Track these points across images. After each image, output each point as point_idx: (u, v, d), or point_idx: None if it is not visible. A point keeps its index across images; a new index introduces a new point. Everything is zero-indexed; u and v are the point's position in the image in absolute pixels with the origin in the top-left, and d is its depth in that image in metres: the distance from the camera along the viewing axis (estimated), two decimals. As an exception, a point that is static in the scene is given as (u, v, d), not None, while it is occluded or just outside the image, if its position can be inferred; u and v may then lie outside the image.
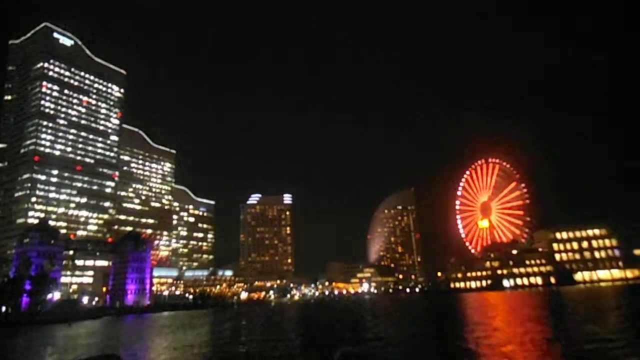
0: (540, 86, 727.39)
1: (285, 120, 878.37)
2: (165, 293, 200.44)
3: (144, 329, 71.46)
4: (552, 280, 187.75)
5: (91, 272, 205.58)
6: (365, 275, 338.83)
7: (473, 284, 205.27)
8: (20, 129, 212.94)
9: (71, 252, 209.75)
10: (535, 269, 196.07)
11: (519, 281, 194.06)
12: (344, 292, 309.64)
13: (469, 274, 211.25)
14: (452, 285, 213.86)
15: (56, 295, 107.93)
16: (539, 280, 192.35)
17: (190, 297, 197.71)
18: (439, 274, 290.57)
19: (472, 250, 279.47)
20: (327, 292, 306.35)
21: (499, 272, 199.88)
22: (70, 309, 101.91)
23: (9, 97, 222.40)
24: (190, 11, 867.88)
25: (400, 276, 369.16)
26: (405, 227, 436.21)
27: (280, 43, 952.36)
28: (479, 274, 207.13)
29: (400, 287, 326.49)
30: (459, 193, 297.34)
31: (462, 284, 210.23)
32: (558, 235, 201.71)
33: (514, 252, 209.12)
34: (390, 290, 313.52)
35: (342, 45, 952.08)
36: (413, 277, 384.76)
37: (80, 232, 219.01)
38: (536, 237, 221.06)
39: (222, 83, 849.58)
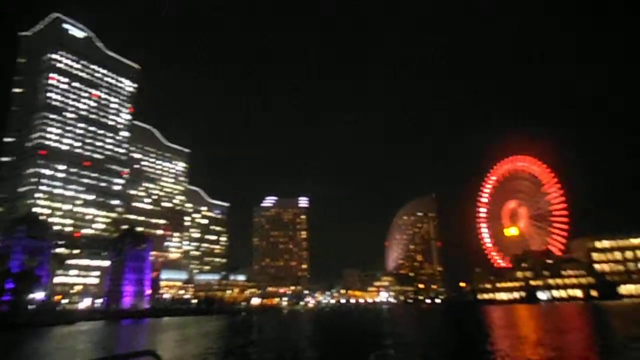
0: (579, 91, 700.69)
1: (303, 122, 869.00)
2: (167, 296, 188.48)
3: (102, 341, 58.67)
4: (594, 293, 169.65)
5: (97, 273, 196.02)
6: (383, 284, 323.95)
7: (503, 296, 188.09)
8: (28, 122, 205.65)
9: (77, 251, 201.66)
10: (574, 280, 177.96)
11: (555, 293, 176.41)
12: (361, 300, 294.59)
13: (498, 285, 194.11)
14: (479, 297, 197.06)
15: (40, 296, 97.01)
16: (578, 293, 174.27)
17: (195, 301, 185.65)
18: (463, 284, 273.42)
19: (499, 261, 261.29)
20: (343, 300, 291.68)
21: (533, 283, 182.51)
22: (49, 312, 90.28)
23: (18, 90, 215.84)
24: (211, 7, 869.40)
25: (420, 286, 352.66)
26: (426, 235, 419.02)
27: (299, 43, 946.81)
28: (509, 284, 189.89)
29: (421, 297, 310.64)
30: (484, 200, 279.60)
31: (490, 295, 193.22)
32: (598, 244, 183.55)
33: (549, 261, 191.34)
34: (410, 300, 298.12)
35: (366, 46, 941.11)
36: (434, 287, 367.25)
37: (86, 231, 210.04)
38: (572, 246, 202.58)
39: (239, 83, 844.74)
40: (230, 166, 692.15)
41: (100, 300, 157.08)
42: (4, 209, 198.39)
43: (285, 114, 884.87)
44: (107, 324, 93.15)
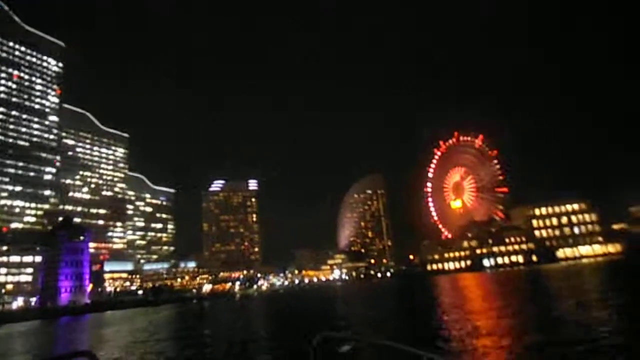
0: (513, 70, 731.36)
1: (250, 102, 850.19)
2: (110, 289, 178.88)
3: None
4: (534, 258, 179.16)
5: (30, 269, 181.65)
6: (335, 262, 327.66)
7: (451, 265, 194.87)
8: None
9: (5, 247, 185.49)
10: (516, 247, 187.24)
11: (499, 260, 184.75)
12: (315, 279, 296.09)
13: (445, 255, 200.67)
14: (428, 268, 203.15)
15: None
16: (520, 258, 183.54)
17: (141, 292, 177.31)
18: (412, 257, 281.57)
19: (445, 233, 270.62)
20: (296, 281, 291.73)
21: (478, 251, 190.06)
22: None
23: None
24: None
25: (372, 261, 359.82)
26: (375, 212, 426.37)
27: (247, 16, 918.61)
28: (456, 254, 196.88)
29: (372, 272, 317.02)
30: (429, 175, 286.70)
31: (438, 266, 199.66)
32: (537, 211, 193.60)
33: (492, 230, 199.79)
34: (362, 276, 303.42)
35: (309, 28, 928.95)
36: (384, 261, 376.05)
37: (15, 225, 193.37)
38: (513, 214, 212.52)
39: (179, 60, 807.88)
40: (174, 151, 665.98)
41: (35, 299, 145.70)
42: None
43: (230, 96, 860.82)
44: (42, 324, 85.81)
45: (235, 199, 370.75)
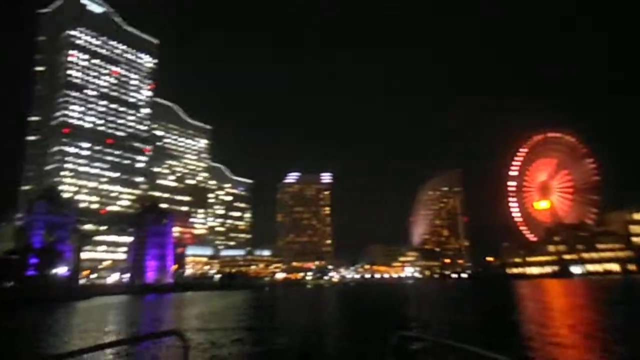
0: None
1: (326, 97, 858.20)
2: (191, 271, 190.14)
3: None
4: (631, 267, 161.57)
5: (124, 248, 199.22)
6: (407, 259, 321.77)
7: (534, 270, 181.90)
8: (51, 100, 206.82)
9: (103, 227, 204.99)
10: (611, 254, 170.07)
11: (590, 267, 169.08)
12: (385, 275, 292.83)
13: (528, 259, 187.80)
14: (508, 271, 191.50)
15: (63, 271, 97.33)
16: (614, 266, 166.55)
17: (217, 276, 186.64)
18: (490, 258, 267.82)
19: (528, 235, 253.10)
20: (367, 275, 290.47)
21: (566, 257, 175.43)
22: (69, 287, 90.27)
23: (40, 68, 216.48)
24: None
25: (446, 260, 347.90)
26: (452, 210, 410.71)
27: (325, 15, 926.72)
28: (541, 258, 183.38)
29: (447, 272, 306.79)
30: (513, 173, 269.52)
31: (520, 270, 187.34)
32: (637, 216, 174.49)
33: (583, 234, 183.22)
34: (436, 275, 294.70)
35: (386, 23, 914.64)
36: (460, 262, 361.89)
37: (112, 208, 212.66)
38: (608, 218, 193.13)
39: (261, 59, 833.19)
40: (253, 144, 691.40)
41: (127, 275, 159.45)
42: (31, 187, 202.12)
43: (308, 91, 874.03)
44: (130, 299, 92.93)
45: (309, 191, 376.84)
